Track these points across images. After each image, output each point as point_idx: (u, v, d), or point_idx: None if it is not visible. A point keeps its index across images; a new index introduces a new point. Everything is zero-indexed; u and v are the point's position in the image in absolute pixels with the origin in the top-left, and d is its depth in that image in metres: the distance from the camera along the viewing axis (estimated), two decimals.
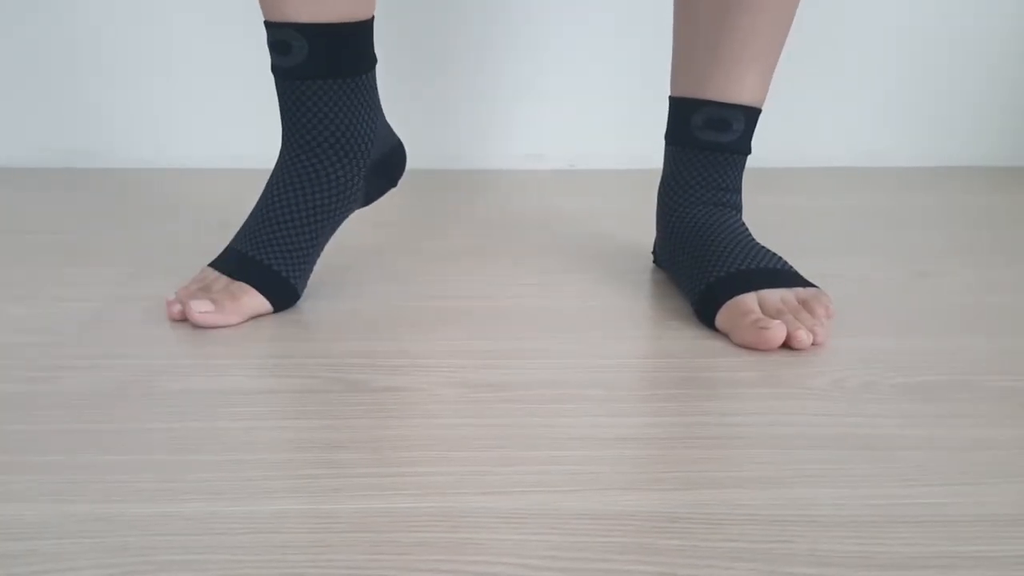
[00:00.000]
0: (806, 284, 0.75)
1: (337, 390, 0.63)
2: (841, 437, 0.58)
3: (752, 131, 0.80)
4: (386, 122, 0.80)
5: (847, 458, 0.55)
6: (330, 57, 0.71)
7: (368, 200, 0.81)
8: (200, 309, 0.71)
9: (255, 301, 0.74)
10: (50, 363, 0.67)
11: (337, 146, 0.75)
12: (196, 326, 0.72)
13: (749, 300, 0.72)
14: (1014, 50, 1.24)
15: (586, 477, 0.53)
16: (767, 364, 0.68)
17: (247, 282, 0.74)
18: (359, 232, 0.96)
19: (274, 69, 0.73)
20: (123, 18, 1.20)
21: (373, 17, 0.74)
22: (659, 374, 0.67)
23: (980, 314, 0.77)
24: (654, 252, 0.88)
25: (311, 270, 0.78)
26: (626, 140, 1.25)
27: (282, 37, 0.70)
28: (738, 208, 0.82)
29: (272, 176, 0.76)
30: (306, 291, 0.79)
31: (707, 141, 0.79)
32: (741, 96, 0.78)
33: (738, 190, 0.82)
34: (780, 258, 0.77)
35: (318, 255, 0.78)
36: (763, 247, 0.78)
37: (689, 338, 0.73)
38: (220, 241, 0.81)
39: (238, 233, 0.77)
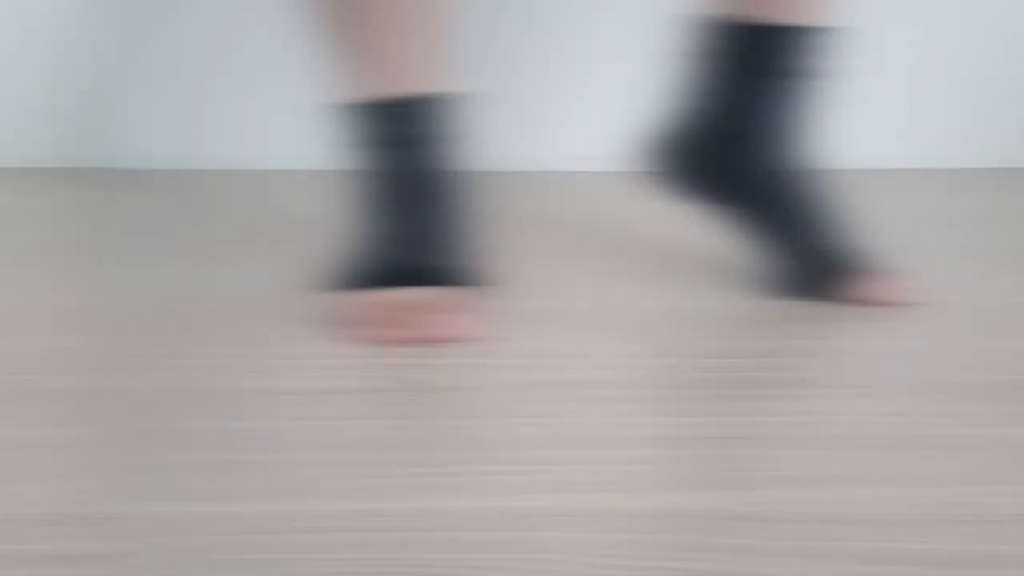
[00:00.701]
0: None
1: (398, 389, 0.64)
2: (895, 437, 0.57)
3: (830, 50, 0.74)
4: None
5: (902, 458, 0.55)
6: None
7: None
8: (461, 324, 0.70)
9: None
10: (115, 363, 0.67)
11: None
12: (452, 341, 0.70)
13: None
14: (983, 50, 1.21)
15: (644, 476, 0.53)
16: (822, 365, 0.68)
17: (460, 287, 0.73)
18: None
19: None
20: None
21: None
22: (717, 375, 0.66)
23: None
24: (647, 150, 0.83)
25: None
26: None
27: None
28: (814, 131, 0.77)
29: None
30: None
31: (790, 67, 0.73)
32: (817, 14, 0.72)
33: (815, 113, 0.76)
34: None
35: None
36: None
37: (748, 339, 0.72)
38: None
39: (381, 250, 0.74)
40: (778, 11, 0.72)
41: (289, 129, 1.18)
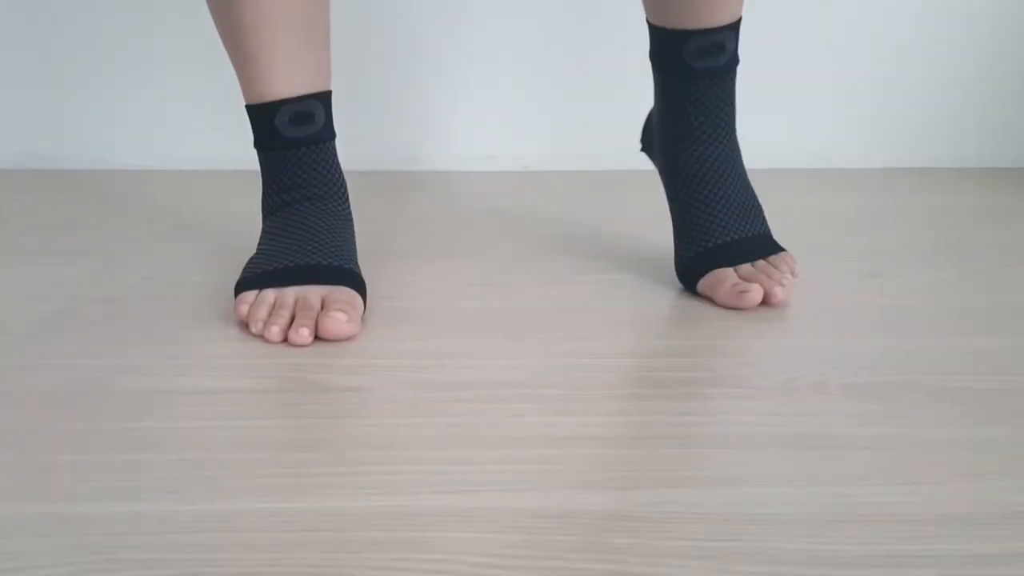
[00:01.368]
0: (777, 249, 0.82)
1: (295, 390, 0.63)
2: (791, 437, 0.58)
3: (738, 38, 0.79)
4: None
5: (797, 457, 0.56)
6: (329, 119, 0.79)
7: None
8: (341, 320, 0.69)
9: (361, 304, 0.74)
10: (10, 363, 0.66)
11: (342, 188, 0.80)
12: (330, 339, 0.69)
13: (728, 269, 0.79)
14: (964, 51, 1.26)
15: (539, 476, 0.53)
16: (718, 365, 0.68)
17: (349, 287, 0.73)
18: None
19: (286, 141, 0.76)
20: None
21: None
22: (611, 374, 0.67)
23: (930, 315, 0.78)
24: (643, 140, 0.90)
25: None
26: (574, 142, 1.25)
27: (307, 109, 0.76)
28: (732, 118, 0.82)
29: (283, 216, 0.77)
30: None
31: (704, 69, 0.78)
32: (728, 13, 0.76)
33: (732, 102, 0.81)
34: (760, 214, 0.82)
35: None
36: (750, 200, 0.81)
37: (642, 339, 0.73)
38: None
39: (274, 254, 0.75)
40: (685, 19, 0.77)
41: (201, 129, 1.19)
